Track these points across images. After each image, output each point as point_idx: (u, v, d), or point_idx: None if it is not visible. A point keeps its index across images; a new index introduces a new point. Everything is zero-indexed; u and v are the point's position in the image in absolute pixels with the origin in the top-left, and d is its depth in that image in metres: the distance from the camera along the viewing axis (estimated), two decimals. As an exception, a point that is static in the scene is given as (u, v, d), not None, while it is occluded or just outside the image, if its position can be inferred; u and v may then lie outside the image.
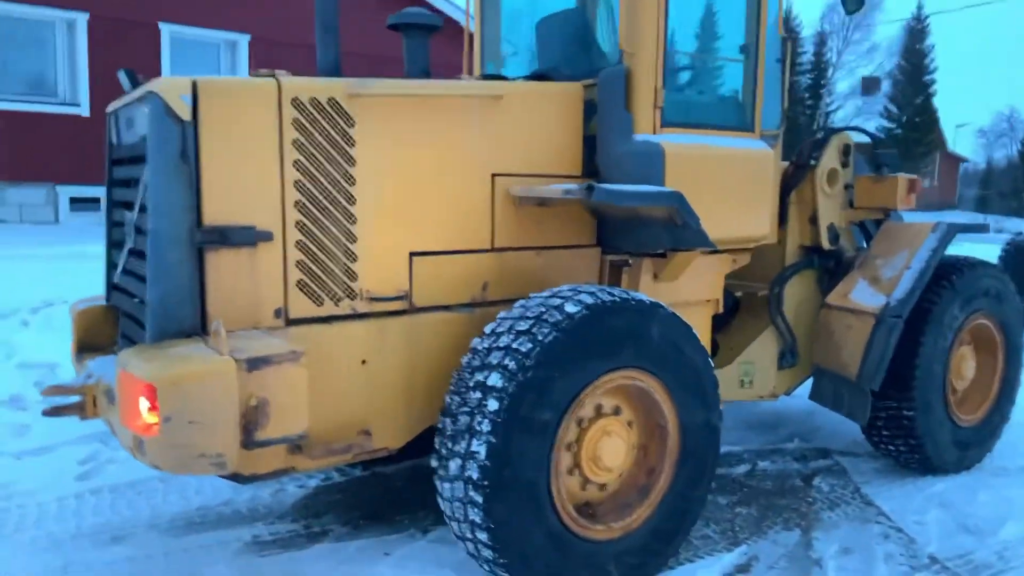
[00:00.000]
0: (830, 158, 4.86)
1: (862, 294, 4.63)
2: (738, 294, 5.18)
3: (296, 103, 3.05)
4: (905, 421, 4.68)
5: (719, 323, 5.27)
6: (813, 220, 4.88)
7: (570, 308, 3.15)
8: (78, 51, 12.97)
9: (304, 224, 3.11)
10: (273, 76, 3.05)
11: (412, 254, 3.41)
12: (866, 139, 5.18)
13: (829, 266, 5.03)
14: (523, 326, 3.12)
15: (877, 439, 4.92)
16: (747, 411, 6.18)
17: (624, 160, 3.73)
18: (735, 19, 4.22)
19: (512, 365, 3.01)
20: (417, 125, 3.37)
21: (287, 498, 4.41)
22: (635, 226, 3.82)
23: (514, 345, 3.06)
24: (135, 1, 13.21)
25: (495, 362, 3.06)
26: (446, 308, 3.53)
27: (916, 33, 46.78)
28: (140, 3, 13.27)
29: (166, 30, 13.71)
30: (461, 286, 3.56)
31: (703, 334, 4.37)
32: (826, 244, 4.91)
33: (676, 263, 4.00)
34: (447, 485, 3.09)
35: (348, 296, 3.25)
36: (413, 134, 3.36)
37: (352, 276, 3.25)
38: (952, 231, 4.68)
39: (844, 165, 4.93)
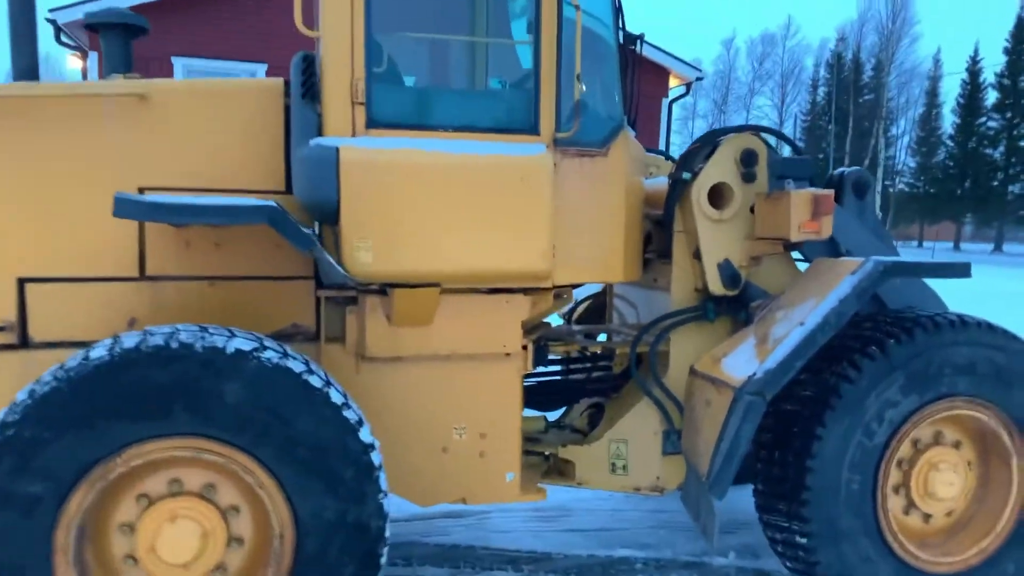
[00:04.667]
0: (716, 170, 3.52)
1: (738, 359, 3.25)
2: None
3: None
4: (800, 551, 3.18)
5: (615, 387, 4.11)
6: (697, 254, 3.57)
7: (95, 352, 2.49)
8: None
9: None
10: None
11: (22, 280, 2.96)
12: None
13: (740, 319, 3.64)
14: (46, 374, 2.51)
15: (787, 570, 3.42)
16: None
17: (300, 168, 2.95)
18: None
19: (-1, 420, 2.43)
20: (25, 132, 2.92)
21: None
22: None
23: (17, 396, 2.47)
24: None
25: (-3, 414, 2.49)
26: (80, 344, 3.01)
27: None
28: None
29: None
30: (99, 320, 3.03)
31: (508, 397, 3.37)
32: (716, 287, 3.55)
33: (404, 302, 3.08)
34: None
35: (-69, 326, 2.89)
36: (20, 142, 2.92)
37: (-65, 303, 2.88)
38: (880, 273, 3.12)
39: (748, 179, 3.54)
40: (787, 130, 55.78)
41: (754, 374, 3.04)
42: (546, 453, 3.86)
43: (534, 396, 4.08)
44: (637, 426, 3.71)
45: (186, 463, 2.61)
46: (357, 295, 3.20)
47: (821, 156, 54.41)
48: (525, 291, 3.29)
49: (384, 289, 3.09)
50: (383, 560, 2.73)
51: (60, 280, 2.99)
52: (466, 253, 3.02)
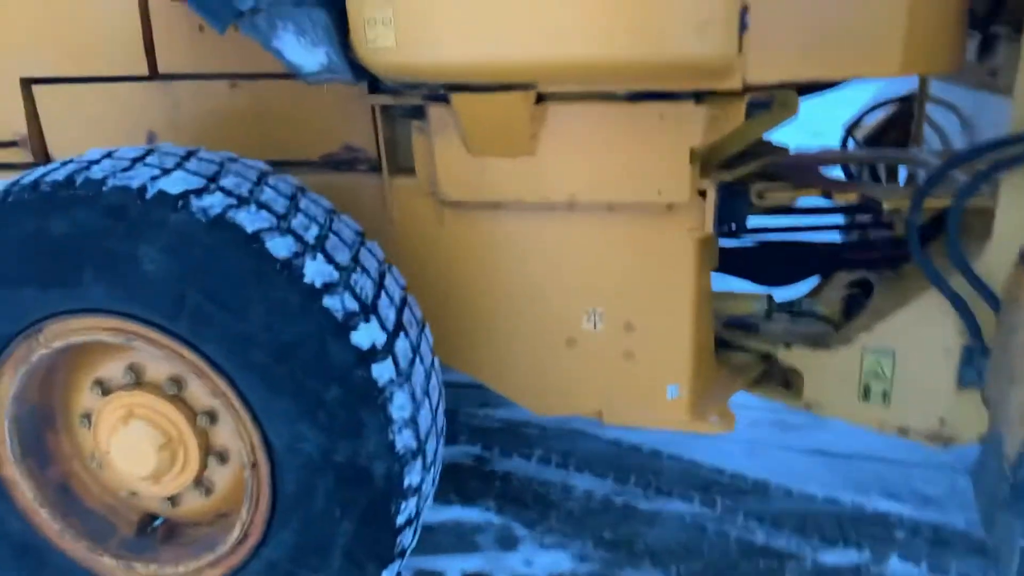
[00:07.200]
0: None
1: None
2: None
3: None
4: None
5: (893, 260, 2.55)
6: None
7: (-12, 189, 1.77)
8: None
9: None
10: None
11: (28, 81, 2.32)
12: None
13: None
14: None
15: None
16: None
17: None
18: None
19: None
20: None
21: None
22: None
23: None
24: None
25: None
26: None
27: None
28: None
29: None
30: (116, 131, 2.32)
31: (671, 272, 2.14)
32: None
33: (474, 115, 1.91)
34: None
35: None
36: None
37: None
38: None
39: None
40: None
41: None
42: (764, 352, 2.52)
43: (754, 264, 2.66)
44: (915, 332, 2.16)
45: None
46: (423, 105, 2.07)
47: None
48: (696, 96, 1.87)
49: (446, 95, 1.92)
50: (402, 519, 1.81)
51: (67, 80, 2.31)
52: (567, 26, 1.69)
